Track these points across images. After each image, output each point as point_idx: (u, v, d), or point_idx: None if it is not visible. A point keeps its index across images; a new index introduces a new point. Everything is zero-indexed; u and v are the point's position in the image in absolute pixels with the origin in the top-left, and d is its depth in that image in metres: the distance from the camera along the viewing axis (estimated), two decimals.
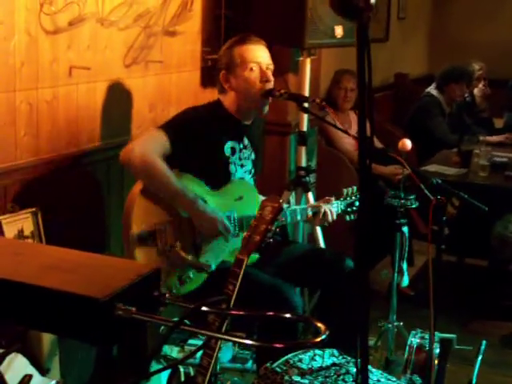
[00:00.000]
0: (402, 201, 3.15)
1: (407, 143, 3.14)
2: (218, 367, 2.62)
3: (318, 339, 1.18)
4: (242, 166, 3.12)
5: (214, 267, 2.87)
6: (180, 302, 1.30)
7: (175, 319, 1.24)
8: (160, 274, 1.33)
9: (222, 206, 2.95)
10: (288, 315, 1.28)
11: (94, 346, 1.24)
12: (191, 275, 2.86)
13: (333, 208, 3.15)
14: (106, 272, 1.35)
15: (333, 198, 3.19)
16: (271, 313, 1.25)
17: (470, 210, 3.24)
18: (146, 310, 1.28)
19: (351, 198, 3.23)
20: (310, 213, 3.13)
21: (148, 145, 2.83)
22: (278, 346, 1.17)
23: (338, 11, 1.60)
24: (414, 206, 3.16)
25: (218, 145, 3.02)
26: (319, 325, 1.21)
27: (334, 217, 3.15)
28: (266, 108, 3.09)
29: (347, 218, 3.24)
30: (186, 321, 1.29)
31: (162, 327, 2.74)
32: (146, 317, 1.25)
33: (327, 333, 1.23)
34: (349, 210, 3.23)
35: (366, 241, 1.56)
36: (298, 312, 2.87)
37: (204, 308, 1.26)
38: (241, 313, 1.29)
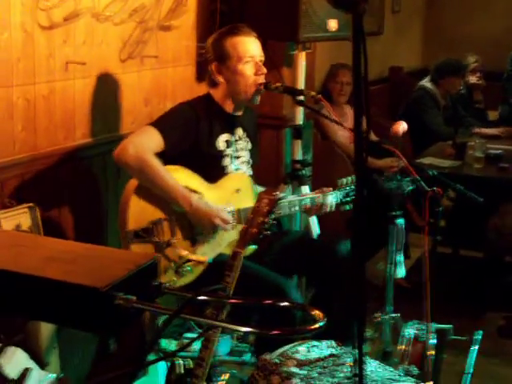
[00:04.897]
0: (397, 184, 3.09)
1: (399, 128, 3.10)
2: (216, 360, 2.64)
3: (316, 326, 1.20)
4: (237, 157, 3.13)
5: (210, 260, 2.89)
6: (178, 291, 1.32)
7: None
8: (157, 264, 1.35)
9: (220, 199, 2.96)
10: (285, 303, 1.30)
11: (96, 334, 1.25)
12: (188, 268, 2.87)
13: (330, 198, 3.15)
14: (106, 262, 1.37)
15: (331, 189, 3.18)
16: (269, 301, 1.27)
17: (465, 201, 3.25)
18: (144, 299, 1.30)
19: (349, 187, 3.17)
20: (307, 203, 3.13)
21: (141, 143, 2.83)
22: (275, 333, 1.19)
23: (334, 3, 1.62)
24: (409, 189, 3.09)
25: (210, 139, 3.02)
26: (316, 312, 1.23)
27: (333, 208, 3.15)
28: (258, 99, 3.09)
29: (347, 207, 3.19)
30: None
31: (161, 319, 2.75)
32: (146, 306, 1.26)
33: (325, 320, 1.25)
34: (347, 199, 3.19)
35: (363, 232, 1.58)
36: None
37: (202, 297, 1.28)
38: (238, 301, 1.30)
